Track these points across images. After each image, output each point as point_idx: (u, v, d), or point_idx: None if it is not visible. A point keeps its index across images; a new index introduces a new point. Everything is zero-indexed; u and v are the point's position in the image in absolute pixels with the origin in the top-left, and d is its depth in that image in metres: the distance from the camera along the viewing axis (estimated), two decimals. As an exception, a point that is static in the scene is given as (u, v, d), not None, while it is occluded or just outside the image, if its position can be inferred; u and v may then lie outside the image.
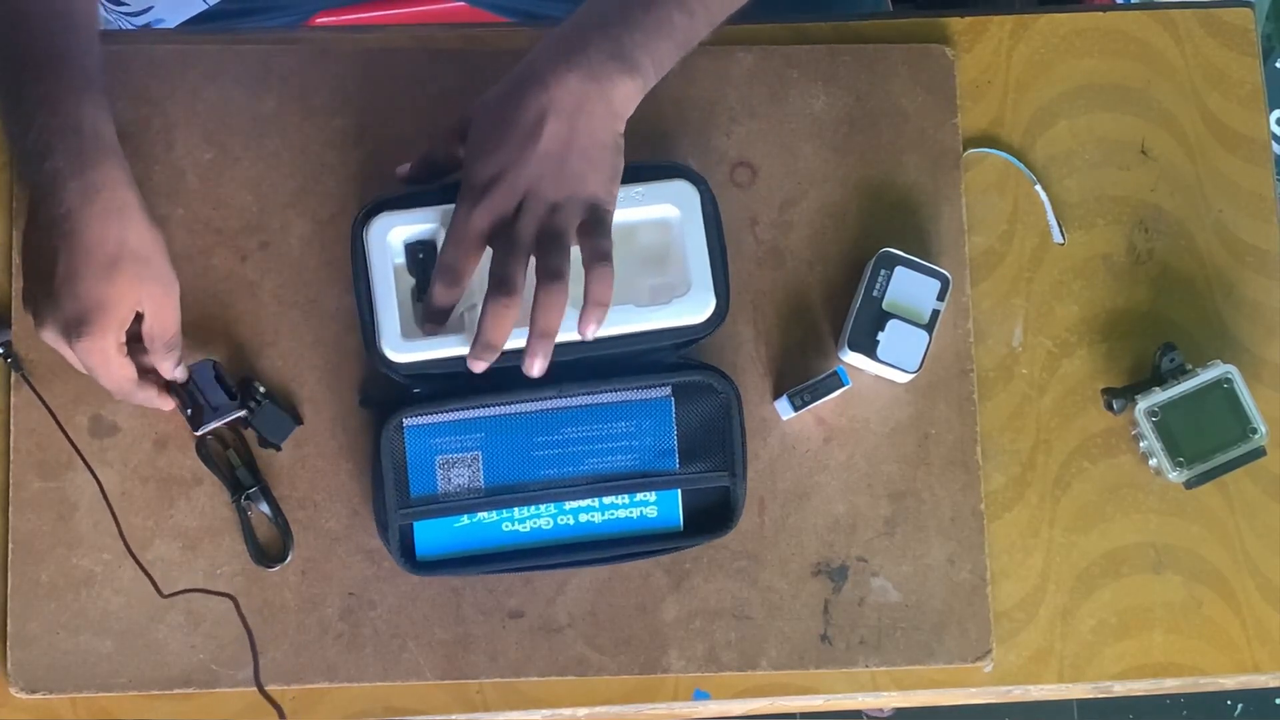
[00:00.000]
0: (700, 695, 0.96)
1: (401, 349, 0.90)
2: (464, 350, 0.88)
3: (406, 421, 0.92)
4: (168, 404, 0.94)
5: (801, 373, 0.98)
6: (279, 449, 0.96)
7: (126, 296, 0.86)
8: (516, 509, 0.94)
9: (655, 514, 0.95)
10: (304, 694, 0.94)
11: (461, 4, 1.25)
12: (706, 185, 0.94)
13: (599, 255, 0.85)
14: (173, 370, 0.92)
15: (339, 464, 0.96)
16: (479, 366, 0.87)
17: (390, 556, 0.93)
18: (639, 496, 0.95)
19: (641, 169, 0.92)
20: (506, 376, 0.88)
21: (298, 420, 0.96)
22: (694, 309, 0.92)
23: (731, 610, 0.96)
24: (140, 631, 0.94)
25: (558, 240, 0.85)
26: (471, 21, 1.23)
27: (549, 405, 0.93)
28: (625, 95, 0.86)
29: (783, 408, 0.97)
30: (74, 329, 0.86)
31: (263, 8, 1.21)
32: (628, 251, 0.92)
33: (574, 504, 0.94)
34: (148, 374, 0.92)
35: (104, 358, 0.87)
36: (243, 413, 0.94)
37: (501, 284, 0.84)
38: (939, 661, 0.97)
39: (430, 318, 0.89)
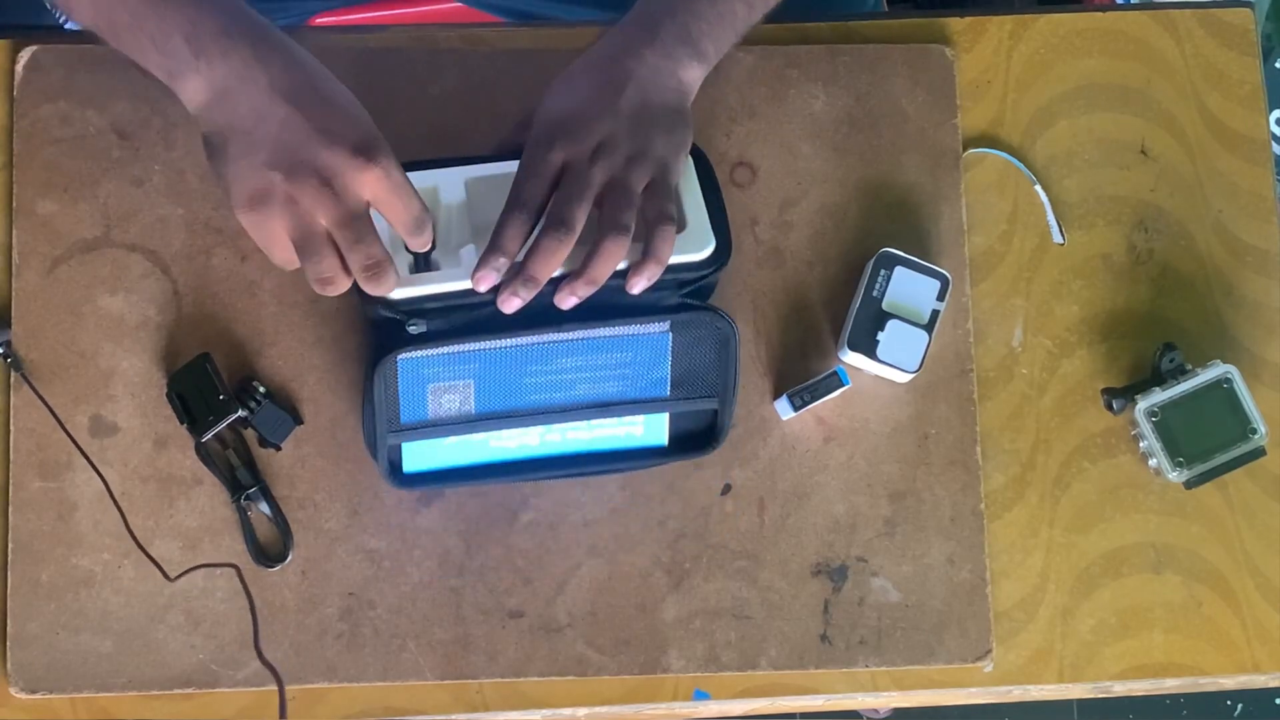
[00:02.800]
0: (700, 695, 0.96)
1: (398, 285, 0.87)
2: (460, 285, 0.86)
3: (401, 356, 0.88)
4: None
5: (801, 373, 0.98)
6: (279, 449, 0.96)
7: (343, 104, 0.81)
8: (504, 430, 0.93)
9: (641, 433, 0.95)
10: (304, 694, 0.94)
11: (461, 4, 1.25)
12: (704, 157, 0.93)
13: (665, 215, 0.85)
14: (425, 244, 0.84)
15: (339, 464, 0.96)
16: (513, 304, 0.85)
17: (379, 472, 0.93)
18: (627, 418, 0.94)
19: None
20: (504, 316, 0.87)
21: (298, 420, 0.96)
22: (693, 247, 0.89)
23: (731, 610, 0.96)
24: (140, 631, 0.94)
25: (627, 193, 0.85)
26: (471, 21, 1.23)
27: (545, 339, 0.90)
28: (692, 77, 0.89)
29: (782, 408, 0.97)
30: (367, 154, 0.80)
31: (262, 8, 1.20)
32: None
33: (562, 425, 0.94)
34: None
35: (394, 179, 0.81)
36: (243, 413, 0.94)
37: (562, 222, 0.83)
38: (939, 661, 0.97)
39: (498, 251, 0.84)
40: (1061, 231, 1.03)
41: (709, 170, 0.93)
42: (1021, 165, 1.03)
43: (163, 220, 0.98)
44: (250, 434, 0.96)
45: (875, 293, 0.97)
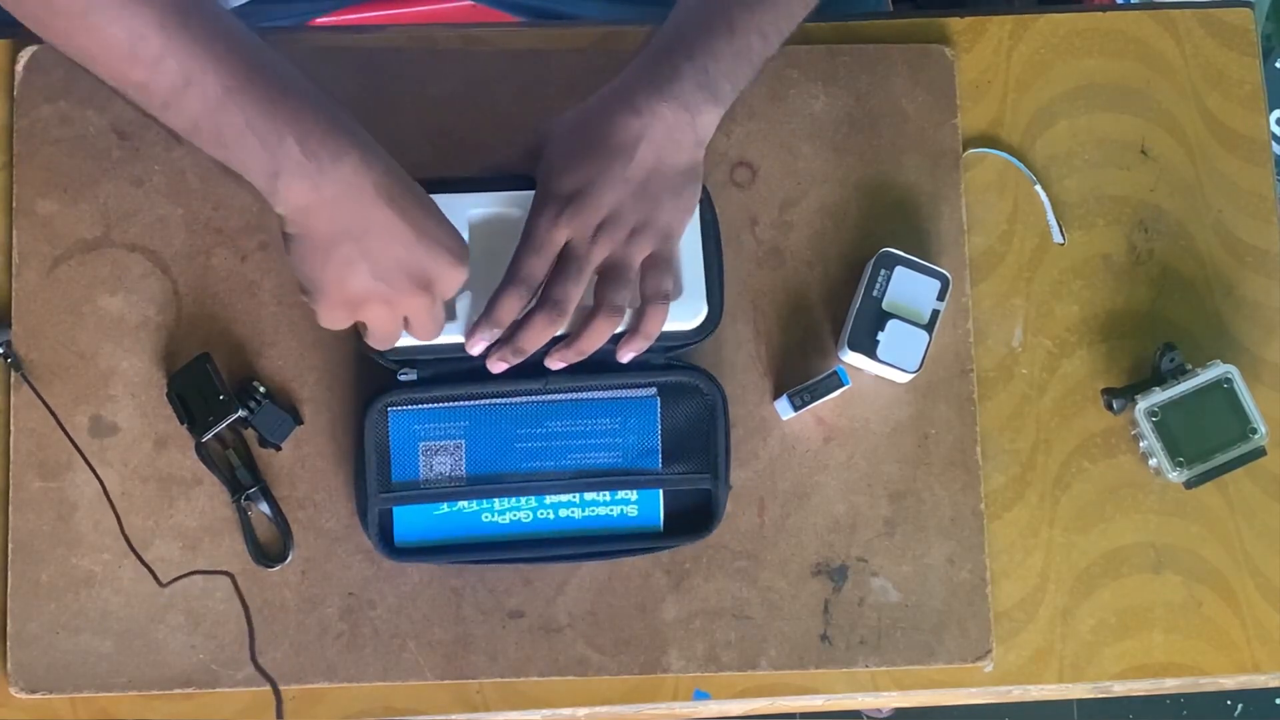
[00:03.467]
0: (700, 695, 0.96)
1: None
2: (453, 338, 0.90)
3: (391, 407, 0.93)
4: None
5: (801, 373, 0.98)
6: (279, 449, 0.96)
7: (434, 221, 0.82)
8: (497, 500, 0.94)
9: (635, 513, 0.95)
10: (304, 694, 0.94)
11: (464, 3, 1.25)
12: (705, 191, 0.94)
13: (660, 294, 0.88)
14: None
15: (339, 464, 0.96)
16: (499, 367, 0.89)
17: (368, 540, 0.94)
18: (620, 494, 0.95)
19: None
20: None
21: (298, 420, 0.96)
22: (685, 315, 0.92)
23: (731, 610, 0.96)
24: (140, 631, 0.94)
25: (624, 274, 0.87)
26: (472, 21, 1.23)
27: (534, 398, 0.93)
28: (709, 124, 0.88)
29: (782, 408, 0.97)
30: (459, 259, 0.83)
31: (263, 8, 1.20)
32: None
33: (554, 498, 0.95)
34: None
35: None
36: (243, 413, 0.94)
37: (556, 304, 0.86)
38: (939, 661, 0.97)
39: (491, 323, 0.87)
40: (1061, 231, 1.03)
41: (713, 221, 0.95)
42: (1021, 165, 1.03)
43: (163, 220, 0.98)
44: (250, 434, 0.96)
45: (875, 293, 0.97)
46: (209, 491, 0.96)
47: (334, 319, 0.85)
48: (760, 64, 0.90)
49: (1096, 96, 1.04)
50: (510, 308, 0.87)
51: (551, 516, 0.95)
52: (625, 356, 0.90)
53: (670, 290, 0.89)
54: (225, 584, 0.95)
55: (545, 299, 0.86)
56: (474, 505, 0.95)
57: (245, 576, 0.95)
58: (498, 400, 0.93)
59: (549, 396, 0.93)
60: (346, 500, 0.96)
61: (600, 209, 0.85)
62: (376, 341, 0.88)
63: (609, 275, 0.87)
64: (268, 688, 0.94)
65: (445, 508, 0.94)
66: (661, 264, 0.88)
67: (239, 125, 0.77)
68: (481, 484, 0.94)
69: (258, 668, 0.93)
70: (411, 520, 0.94)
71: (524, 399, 0.93)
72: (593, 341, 0.88)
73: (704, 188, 0.93)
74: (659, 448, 0.95)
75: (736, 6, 0.88)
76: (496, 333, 0.88)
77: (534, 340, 0.87)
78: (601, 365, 0.92)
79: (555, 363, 0.89)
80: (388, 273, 0.81)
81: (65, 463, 0.95)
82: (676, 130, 0.86)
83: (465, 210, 0.92)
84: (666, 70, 0.86)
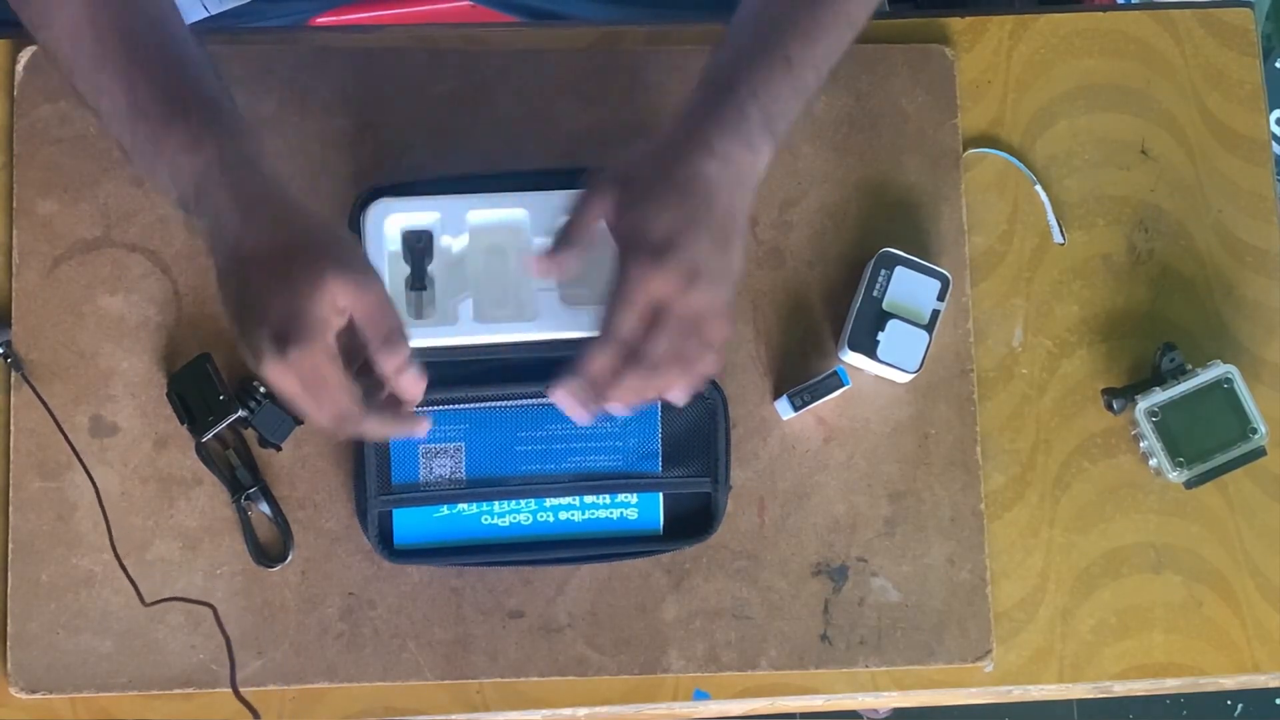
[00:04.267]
0: (700, 695, 0.96)
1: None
2: (453, 340, 0.90)
3: None
4: (415, 426, 0.82)
5: (801, 373, 0.98)
6: (279, 449, 0.96)
7: (315, 294, 0.76)
8: (496, 503, 0.95)
9: (635, 516, 0.95)
10: (304, 694, 0.94)
11: (463, 3, 1.25)
12: None
13: (723, 342, 0.84)
14: (401, 370, 0.79)
15: (339, 464, 0.96)
16: (584, 419, 0.84)
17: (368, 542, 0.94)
18: (620, 498, 0.95)
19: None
20: (493, 370, 0.90)
21: (298, 420, 0.96)
22: None
23: (731, 610, 0.96)
24: (140, 631, 0.94)
25: (705, 326, 0.82)
26: (472, 21, 1.23)
27: (534, 401, 0.93)
28: (767, 164, 0.86)
29: (783, 408, 0.97)
30: (280, 346, 0.75)
31: (264, 8, 1.20)
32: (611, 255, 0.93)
33: (554, 501, 0.95)
34: (376, 394, 0.81)
35: (315, 372, 0.76)
36: (243, 413, 0.94)
37: (654, 366, 0.81)
38: (939, 661, 0.97)
39: (588, 382, 0.82)
40: (1062, 231, 1.02)
41: None
42: (1021, 165, 1.03)
43: (163, 220, 0.98)
44: (250, 434, 0.96)
45: (875, 293, 0.97)
46: (209, 491, 0.96)
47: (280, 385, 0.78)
48: (812, 99, 0.88)
49: (1096, 96, 1.04)
50: (607, 367, 0.81)
51: (551, 519, 0.95)
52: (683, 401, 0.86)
53: (722, 352, 0.85)
54: (226, 584, 0.95)
55: (644, 359, 0.81)
56: (474, 508, 0.95)
57: (246, 577, 0.95)
58: (497, 404, 0.93)
59: (548, 400, 0.92)
60: (346, 500, 0.96)
61: (691, 261, 0.81)
62: (312, 407, 0.79)
63: (693, 328, 0.82)
64: (268, 688, 0.94)
65: (445, 510, 0.94)
66: (725, 320, 0.84)
67: (136, 154, 0.81)
68: (481, 487, 0.94)
69: (239, 698, 0.92)
70: (411, 522, 0.94)
71: (524, 402, 0.93)
72: (659, 391, 0.83)
73: None
74: (659, 451, 0.95)
75: (794, 40, 0.86)
76: (589, 393, 0.82)
77: (626, 397, 0.82)
78: None
79: (620, 409, 0.84)
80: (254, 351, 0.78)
81: (65, 463, 0.95)
82: (745, 175, 0.84)
83: (464, 210, 0.92)
84: (733, 110, 0.84)
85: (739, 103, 0.84)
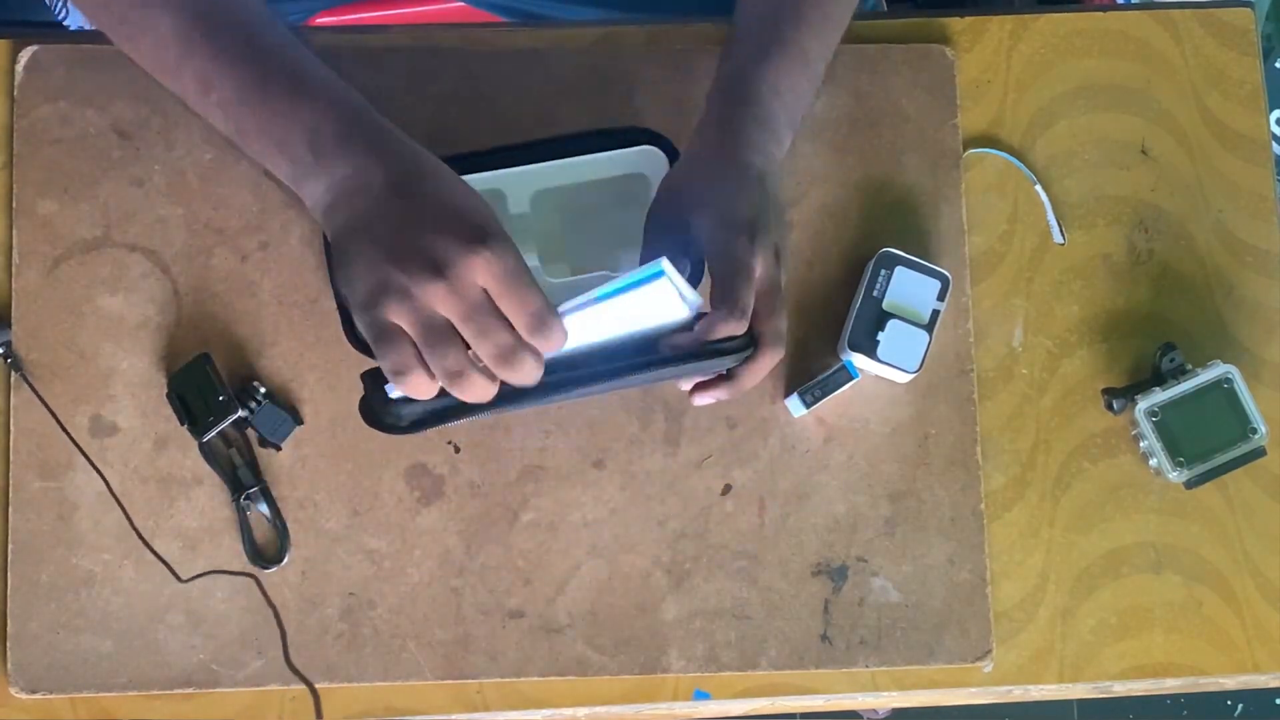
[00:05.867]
0: (700, 695, 0.96)
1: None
2: None
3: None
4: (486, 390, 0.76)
5: (802, 373, 0.98)
6: (279, 449, 0.96)
7: (480, 203, 0.76)
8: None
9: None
10: (304, 694, 0.94)
11: (462, 4, 1.25)
12: (675, 150, 0.94)
13: (780, 334, 0.85)
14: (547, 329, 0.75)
15: (339, 464, 0.96)
16: (706, 400, 0.86)
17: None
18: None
19: (609, 135, 0.93)
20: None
21: (298, 420, 0.96)
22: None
23: (731, 610, 0.96)
24: (140, 631, 0.94)
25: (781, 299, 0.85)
26: (471, 21, 1.23)
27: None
28: (784, 151, 0.89)
29: (794, 406, 0.97)
30: (464, 250, 0.73)
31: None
32: (599, 223, 0.93)
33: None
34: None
35: (508, 272, 0.73)
36: (243, 413, 0.94)
37: (780, 339, 0.83)
38: (939, 661, 0.97)
39: (734, 388, 0.84)
40: (1062, 231, 1.03)
41: None
42: (1021, 165, 1.03)
43: (163, 220, 0.98)
44: (251, 433, 0.96)
45: (875, 293, 0.97)
46: (209, 491, 0.96)
47: (375, 333, 0.75)
48: (817, 89, 0.92)
49: (1096, 96, 1.04)
50: (734, 336, 0.82)
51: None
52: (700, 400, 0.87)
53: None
54: (226, 584, 0.95)
55: (774, 336, 0.83)
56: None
57: (245, 578, 0.95)
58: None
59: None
60: (347, 500, 0.96)
61: (773, 240, 0.84)
62: (426, 353, 0.74)
63: (780, 302, 0.84)
64: (268, 688, 0.94)
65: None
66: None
67: (254, 130, 0.78)
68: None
69: (292, 669, 0.92)
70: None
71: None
72: (758, 378, 0.85)
73: (672, 145, 0.95)
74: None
75: (807, 35, 0.89)
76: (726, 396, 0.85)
77: (759, 378, 0.84)
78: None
79: (707, 399, 0.85)
80: (395, 255, 0.74)
81: (65, 463, 0.95)
82: (777, 164, 0.88)
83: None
84: (761, 109, 0.87)
85: (764, 101, 0.87)
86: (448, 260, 0.73)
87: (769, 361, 0.84)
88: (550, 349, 0.76)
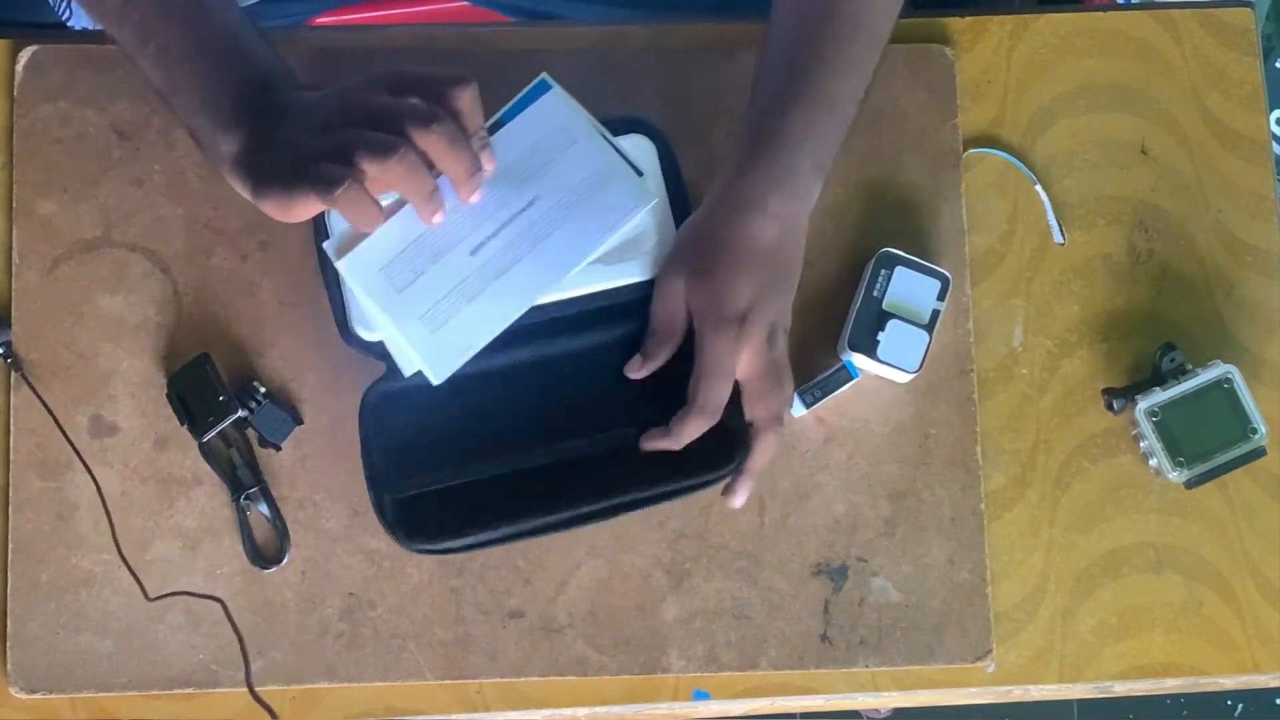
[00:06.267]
0: (700, 695, 0.96)
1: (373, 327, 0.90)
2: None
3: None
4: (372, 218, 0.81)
5: (802, 373, 0.98)
6: (279, 449, 0.96)
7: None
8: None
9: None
10: (304, 694, 0.94)
11: (463, 3, 1.25)
12: (664, 139, 0.94)
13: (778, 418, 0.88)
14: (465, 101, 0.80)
15: (339, 464, 0.96)
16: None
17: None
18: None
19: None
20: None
21: (298, 420, 0.96)
22: (655, 266, 0.90)
23: (731, 610, 0.96)
24: (140, 631, 0.94)
25: (781, 378, 0.88)
26: (472, 21, 1.23)
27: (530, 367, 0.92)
28: (816, 197, 0.89)
29: (794, 406, 0.97)
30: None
31: (264, 8, 1.20)
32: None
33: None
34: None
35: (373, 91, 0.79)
36: (243, 413, 0.94)
37: (707, 408, 0.85)
38: (939, 661, 0.97)
39: (677, 439, 0.86)
40: (1062, 231, 1.03)
41: (673, 166, 0.94)
42: (1021, 165, 1.03)
43: (163, 220, 0.98)
44: (251, 434, 0.96)
45: (875, 293, 0.97)
46: (209, 491, 0.96)
47: (323, 183, 0.78)
48: (848, 127, 0.90)
49: (1096, 96, 1.04)
50: (696, 432, 0.85)
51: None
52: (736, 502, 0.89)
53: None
54: (227, 584, 0.95)
55: (768, 420, 0.87)
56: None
57: (245, 578, 0.95)
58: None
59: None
60: (347, 500, 0.96)
61: (768, 322, 0.86)
62: (352, 213, 0.79)
63: (778, 379, 0.87)
64: (268, 687, 0.94)
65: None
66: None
67: (184, 86, 0.82)
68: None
69: (254, 696, 0.92)
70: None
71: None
72: (764, 460, 0.89)
73: (662, 135, 0.95)
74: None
75: (830, 78, 0.88)
76: (672, 445, 0.86)
77: (765, 460, 0.88)
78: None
79: (739, 499, 0.89)
80: (341, 105, 0.79)
81: (65, 463, 0.95)
82: (798, 222, 0.88)
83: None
84: (782, 168, 0.87)
85: (787, 158, 0.87)
86: (384, 106, 0.79)
87: (768, 444, 0.87)
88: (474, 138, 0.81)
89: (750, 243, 0.86)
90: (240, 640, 0.93)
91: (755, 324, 0.85)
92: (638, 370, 0.88)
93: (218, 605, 0.94)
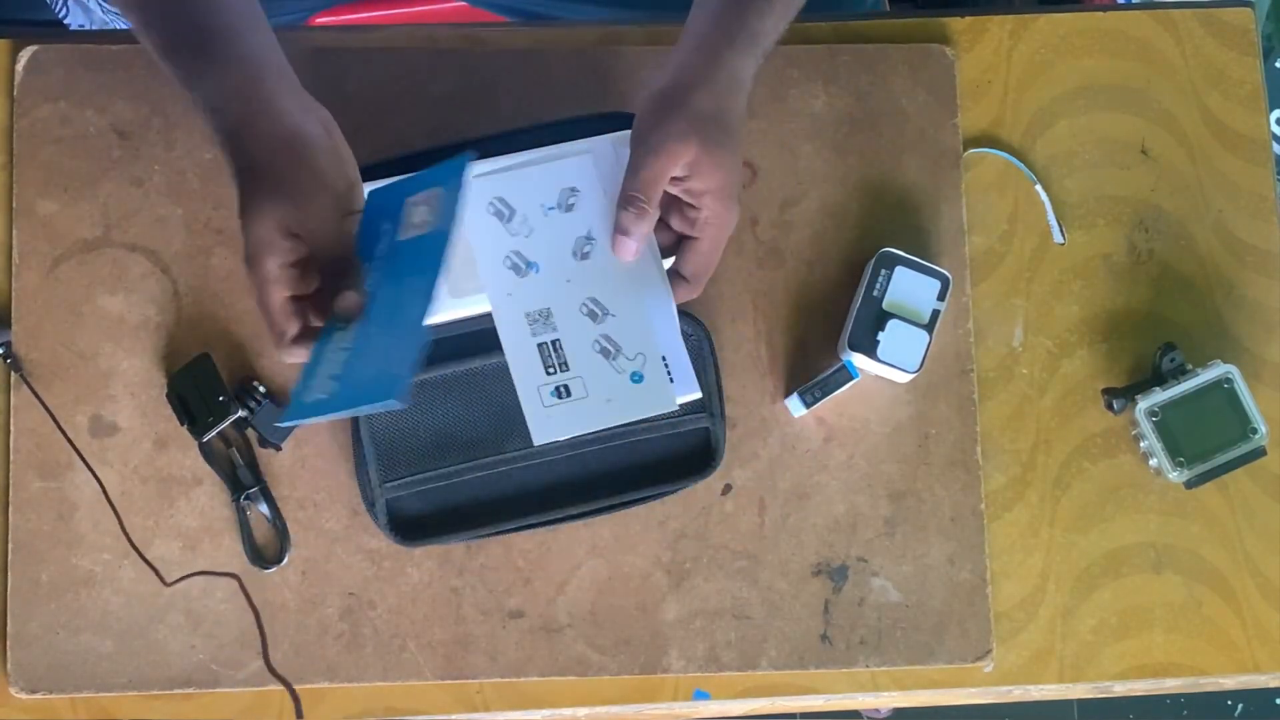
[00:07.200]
0: (700, 695, 0.96)
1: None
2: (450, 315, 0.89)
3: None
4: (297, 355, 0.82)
5: (802, 373, 0.98)
6: (279, 449, 0.96)
7: (262, 217, 0.79)
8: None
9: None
10: (304, 694, 0.94)
11: (462, 4, 1.25)
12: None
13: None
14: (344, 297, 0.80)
15: (339, 464, 0.96)
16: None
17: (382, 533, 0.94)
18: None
19: (590, 121, 0.93)
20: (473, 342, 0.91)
21: (298, 420, 0.96)
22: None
23: (731, 610, 0.96)
24: (140, 631, 0.94)
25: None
26: (471, 21, 1.23)
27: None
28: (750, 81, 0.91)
29: (794, 406, 0.97)
30: (246, 263, 0.80)
31: (262, 8, 1.20)
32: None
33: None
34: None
35: (259, 289, 0.80)
36: (243, 413, 0.94)
37: (704, 281, 0.89)
38: (939, 661, 0.97)
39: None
40: (1062, 231, 1.03)
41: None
42: (1021, 165, 1.03)
43: (163, 220, 0.98)
44: (251, 434, 0.96)
45: (875, 293, 0.97)
46: (209, 491, 0.96)
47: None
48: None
49: (1096, 96, 1.04)
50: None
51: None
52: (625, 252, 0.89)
53: None
54: (226, 584, 0.95)
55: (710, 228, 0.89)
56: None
57: (246, 577, 0.95)
58: (483, 363, 0.94)
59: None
60: (347, 500, 0.96)
61: (733, 188, 0.88)
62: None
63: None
64: (268, 688, 0.94)
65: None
66: None
67: (176, 78, 0.83)
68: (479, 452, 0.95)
69: (271, 670, 0.92)
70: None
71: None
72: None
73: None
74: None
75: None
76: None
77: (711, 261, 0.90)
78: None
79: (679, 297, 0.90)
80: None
81: (65, 463, 0.95)
82: (740, 106, 0.88)
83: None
84: (751, 35, 0.87)
85: (756, 24, 0.87)
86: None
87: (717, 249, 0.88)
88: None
89: (743, 121, 0.88)
90: (257, 616, 0.93)
91: (728, 195, 0.87)
92: (630, 251, 0.87)
93: (220, 605, 0.94)
